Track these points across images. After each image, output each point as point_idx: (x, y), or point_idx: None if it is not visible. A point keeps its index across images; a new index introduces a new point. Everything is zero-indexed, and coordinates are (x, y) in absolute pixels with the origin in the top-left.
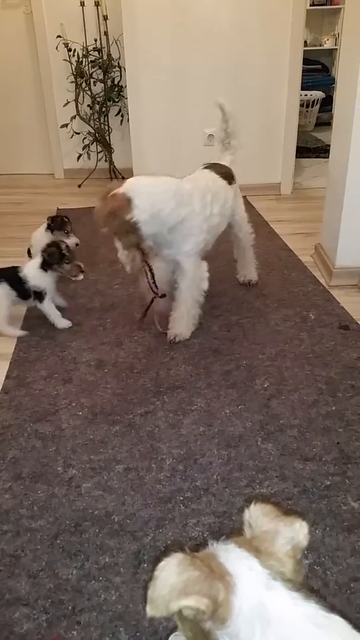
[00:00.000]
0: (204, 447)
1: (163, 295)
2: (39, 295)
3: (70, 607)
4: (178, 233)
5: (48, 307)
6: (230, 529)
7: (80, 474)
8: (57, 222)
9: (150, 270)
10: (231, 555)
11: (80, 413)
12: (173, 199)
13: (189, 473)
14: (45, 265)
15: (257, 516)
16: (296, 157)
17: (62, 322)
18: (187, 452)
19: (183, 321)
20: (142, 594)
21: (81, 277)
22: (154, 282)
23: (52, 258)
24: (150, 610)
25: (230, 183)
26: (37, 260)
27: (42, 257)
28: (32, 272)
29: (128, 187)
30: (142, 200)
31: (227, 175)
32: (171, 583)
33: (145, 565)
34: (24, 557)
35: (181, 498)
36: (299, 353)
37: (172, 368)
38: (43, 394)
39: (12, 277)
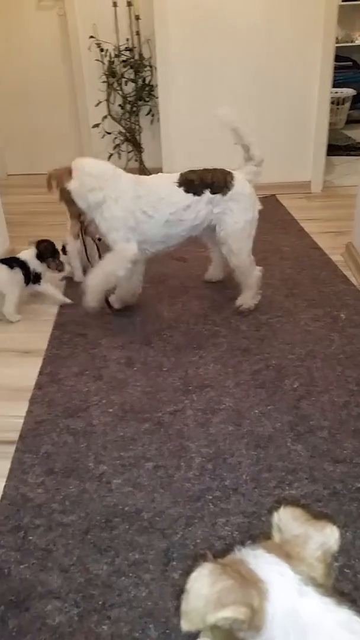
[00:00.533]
0: (233, 447)
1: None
2: (38, 278)
3: (100, 602)
4: (102, 218)
5: (46, 287)
6: (258, 533)
7: (110, 470)
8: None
9: (84, 243)
10: (261, 561)
11: (111, 410)
12: (100, 181)
13: (218, 472)
14: (39, 257)
15: (287, 520)
16: (327, 155)
17: (61, 298)
18: (216, 451)
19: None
20: (171, 592)
21: (63, 273)
22: (87, 254)
23: (46, 251)
24: (185, 625)
25: (197, 193)
26: (32, 250)
27: (37, 249)
28: (31, 259)
29: (74, 162)
30: (77, 174)
31: (199, 183)
32: (204, 595)
33: (175, 563)
34: (56, 551)
35: (210, 497)
36: (330, 354)
37: (201, 367)
38: (74, 390)
39: (20, 264)
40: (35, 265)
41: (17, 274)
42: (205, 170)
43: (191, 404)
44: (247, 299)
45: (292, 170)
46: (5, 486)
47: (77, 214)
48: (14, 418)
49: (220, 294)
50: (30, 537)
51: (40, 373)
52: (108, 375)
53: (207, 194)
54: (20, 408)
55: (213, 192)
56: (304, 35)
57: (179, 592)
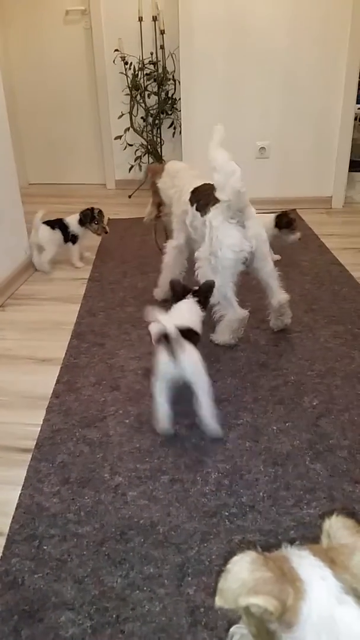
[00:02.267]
0: (250, 463)
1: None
2: (75, 239)
3: (114, 616)
4: (172, 212)
5: (75, 248)
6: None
7: (126, 481)
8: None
9: (156, 229)
10: (304, 562)
11: (127, 421)
12: (174, 181)
13: (235, 488)
14: (81, 222)
15: (338, 528)
16: (349, 170)
17: (78, 263)
18: (233, 467)
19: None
20: (185, 608)
21: (102, 234)
22: (156, 239)
23: (87, 218)
24: (218, 601)
25: (191, 203)
26: (76, 216)
27: (80, 216)
28: (73, 223)
29: (168, 163)
30: (166, 173)
31: (196, 196)
32: (242, 578)
33: (190, 578)
34: (70, 562)
35: (226, 513)
36: (350, 371)
37: (219, 380)
38: (91, 399)
39: (61, 225)
40: (74, 228)
41: (57, 234)
42: (212, 186)
43: None
44: (219, 333)
45: (314, 185)
46: (20, 494)
47: (158, 204)
48: (30, 426)
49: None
50: (45, 547)
51: (58, 382)
52: (125, 385)
53: (194, 207)
54: (37, 416)
55: (196, 209)
56: (329, 51)
57: (194, 608)
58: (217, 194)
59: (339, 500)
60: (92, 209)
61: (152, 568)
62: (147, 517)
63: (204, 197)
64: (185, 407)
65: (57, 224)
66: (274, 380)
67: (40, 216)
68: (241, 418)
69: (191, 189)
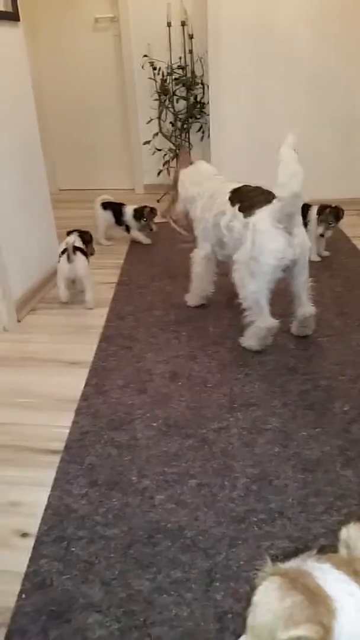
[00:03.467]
0: (279, 469)
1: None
2: (128, 228)
3: (141, 619)
4: (193, 214)
5: (134, 234)
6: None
7: (154, 485)
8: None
9: (174, 221)
10: (330, 577)
11: (155, 424)
12: (196, 181)
13: (263, 494)
14: (134, 216)
15: (358, 537)
16: None
17: (146, 239)
18: (262, 473)
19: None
20: (213, 613)
21: (152, 229)
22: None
23: (138, 214)
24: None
25: (232, 204)
26: (132, 208)
27: (132, 211)
28: (129, 213)
29: (196, 163)
30: (189, 171)
31: (237, 196)
32: (273, 610)
33: (217, 584)
34: (98, 564)
35: (255, 519)
36: None
37: (247, 384)
38: (119, 402)
39: (116, 208)
40: (128, 218)
41: (108, 214)
42: (257, 188)
43: (236, 422)
44: (246, 337)
45: (344, 186)
46: (49, 496)
47: (173, 199)
48: (60, 428)
49: None
50: (73, 549)
51: (86, 384)
52: (152, 389)
53: (236, 207)
54: (66, 418)
55: (239, 209)
56: (355, 54)
57: (222, 614)
58: (275, 190)
59: None
60: (144, 207)
61: (179, 572)
62: (175, 521)
63: (248, 199)
64: (213, 411)
65: (111, 206)
66: (304, 384)
67: (99, 200)
68: (270, 423)
69: (230, 190)
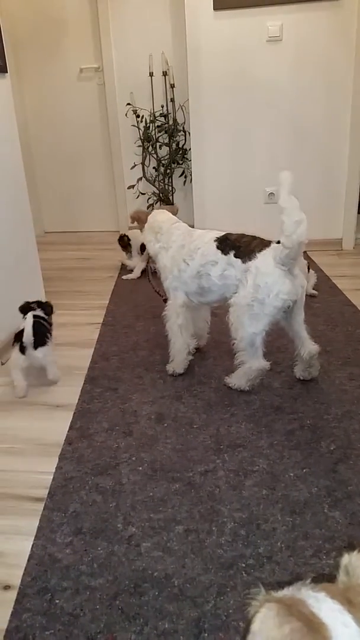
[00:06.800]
0: (267, 512)
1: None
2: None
3: None
4: (159, 266)
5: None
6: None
7: (140, 532)
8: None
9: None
10: (324, 606)
11: (140, 468)
12: (157, 234)
13: (252, 539)
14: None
15: (358, 565)
16: (358, 212)
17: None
18: (249, 516)
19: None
20: None
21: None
22: (152, 285)
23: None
24: None
25: (224, 252)
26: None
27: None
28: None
29: (152, 214)
30: (146, 225)
31: (229, 243)
32: (273, 637)
33: (206, 634)
34: (83, 617)
35: (243, 565)
36: None
37: (233, 425)
38: (104, 446)
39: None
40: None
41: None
42: (246, 235)
43: (223, 464)
44: (235, 377)
45: (324, 227)
46: (33, 545)
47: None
48: (43, 474)
49: None
50: (57, 601)
51: (71, 428)
52: (138, 431)
53: (230, 255)
54: (50, 464)
55: (236, 256)
56: (334, 98)
57: None
58: (283, 240)
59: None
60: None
61: (167, 623)
62: (162, 569)
63: (243, 245)
64: (199, 453)
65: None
66: (290, 424)
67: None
68: (257, 464)
69: (213, 239)
